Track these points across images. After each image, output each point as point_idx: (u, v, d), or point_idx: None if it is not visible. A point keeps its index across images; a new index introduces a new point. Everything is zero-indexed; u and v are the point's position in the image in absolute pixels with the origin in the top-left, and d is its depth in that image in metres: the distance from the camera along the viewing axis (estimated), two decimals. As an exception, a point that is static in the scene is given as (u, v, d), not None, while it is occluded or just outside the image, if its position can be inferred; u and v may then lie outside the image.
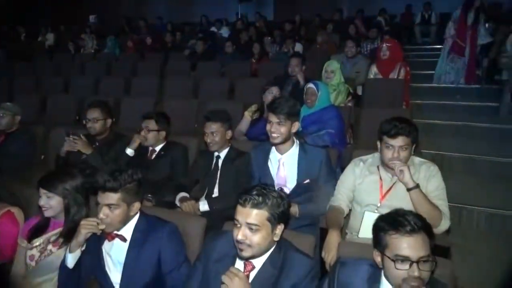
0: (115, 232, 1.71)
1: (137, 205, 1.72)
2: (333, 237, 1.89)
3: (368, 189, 2.08)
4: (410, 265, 1.24)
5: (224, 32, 8.52)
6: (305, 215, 2.25)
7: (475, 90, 5.64)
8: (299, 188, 2.30)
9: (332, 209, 2.14)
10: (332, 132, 3.02)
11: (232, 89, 4.80)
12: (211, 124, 2.50)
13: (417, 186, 1.90)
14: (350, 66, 4.70)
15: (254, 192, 1.40)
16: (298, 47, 6.30)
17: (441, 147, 4.11)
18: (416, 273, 1.23)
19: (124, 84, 5.27)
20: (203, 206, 2.40)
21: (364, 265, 1.43)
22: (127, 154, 2.77)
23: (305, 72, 3.96)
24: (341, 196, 2.15)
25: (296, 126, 2.31)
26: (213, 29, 8.75)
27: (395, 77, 4.16)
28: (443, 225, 1.93)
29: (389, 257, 1.28)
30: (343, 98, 3.76)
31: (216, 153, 2.57)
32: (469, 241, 2.88)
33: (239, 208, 1.41)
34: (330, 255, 1.81)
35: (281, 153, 2.34)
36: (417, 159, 2.08)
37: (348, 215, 2.20)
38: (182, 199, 2.42)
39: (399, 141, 1.91)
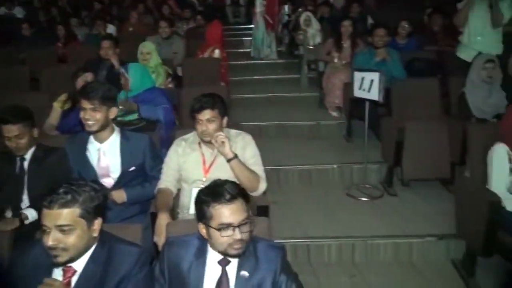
0: None
1: None
2: (162, 220, 1.90)
3: (192, 166, 2.14)
4: (233, 230, 1.34)
5: (18, 12, 7.26)
6: (133, 201, 2.20)
7: (282, 64, 6.40)
8: (125, 176, 2.22)
9: (159, 192, 2.14)
10: (167, 107, 3.02)
11: (35, 79, 4.18)
12: (10, 126, 2.11)
13: (236, 156, 2.05)
14: (167, 46, 4.68)
15: (61, 191, 1.26)
16: (111, 29, 5.90)
17: (259, 118, 4.55)
18: (238, 236, 1.34)
19: None
20: (31, 215, 2.07)
21: (192, 240, 1.47)
22: None
23: (120, 55, 3.75)
24: (167, 177, 2.16)
25: (114, 112, 2.18)
26: (2, 10, 7.36)
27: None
28: (261, 187, 2.15)
29: (214, 228, 1.35)
30: (163, 80, 3.72)
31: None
32: (287, 197, 3.31)
33: (45, 211, 1.25)
34: (160, 238, 1.81)
35: (101, 142, 2.19)
36: (233, 131, 2.24)
37: (178, 195, 2.24)
38: None
39: (205, 115, 2.02)
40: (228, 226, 1.34)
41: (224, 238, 1.34)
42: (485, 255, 2.21)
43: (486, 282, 2.37)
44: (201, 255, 1.43)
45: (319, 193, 3.37)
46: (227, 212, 1.34)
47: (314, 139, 4.22)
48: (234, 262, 1.41)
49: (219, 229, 1.34)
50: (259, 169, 2.19)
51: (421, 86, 3.57)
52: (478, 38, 3.53)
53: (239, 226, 1.34)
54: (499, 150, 2.22)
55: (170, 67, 4.08)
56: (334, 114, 4.52)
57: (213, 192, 1.38)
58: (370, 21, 6.03)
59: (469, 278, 2.37)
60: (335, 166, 3.55)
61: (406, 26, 4.64)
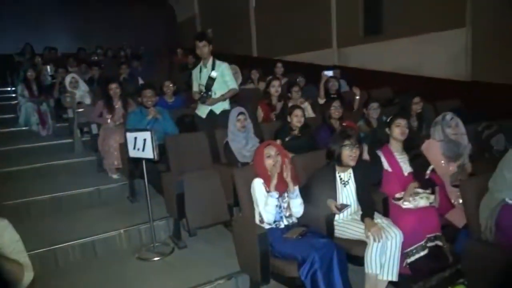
0: None
1: None
2: None
3: None
4: None
5: None
6: None
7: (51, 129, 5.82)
8: None
9: None
10: None
11: None
12: None
13: (-15, 249, 1.68)
14: None
15: None
16: None
17: (27, 193, 3.94)
18: None
19: None
20: None
21: None
22: None
23: None
24: None
25: None
26: None
27: None
28: (27, 278, 1.80)
29: None
30: None
31: None
32: (70, 279, 2.91)
33: None
34: None
35: None
36: (-20, 219, 1.84)
37: None
38: None
39: None
40: None
41: None
42: (264, 283, 2.48)
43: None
44: None
45: (108, 264, 3.10)
46: None
47: (96, 207, 3.94)
48: None
49: None
50: (21, 256, 1.84)
51: (192, 139, 3.86)
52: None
53: None
54: (256, 184, 2.61)
55: None
56: (115, 176, 4.36)
57: None
58: (140, 81, 6.26)
59: (260, 309, 2.60)
60: (121, 231, 3.38)
61: (170, 85, 5.01)
